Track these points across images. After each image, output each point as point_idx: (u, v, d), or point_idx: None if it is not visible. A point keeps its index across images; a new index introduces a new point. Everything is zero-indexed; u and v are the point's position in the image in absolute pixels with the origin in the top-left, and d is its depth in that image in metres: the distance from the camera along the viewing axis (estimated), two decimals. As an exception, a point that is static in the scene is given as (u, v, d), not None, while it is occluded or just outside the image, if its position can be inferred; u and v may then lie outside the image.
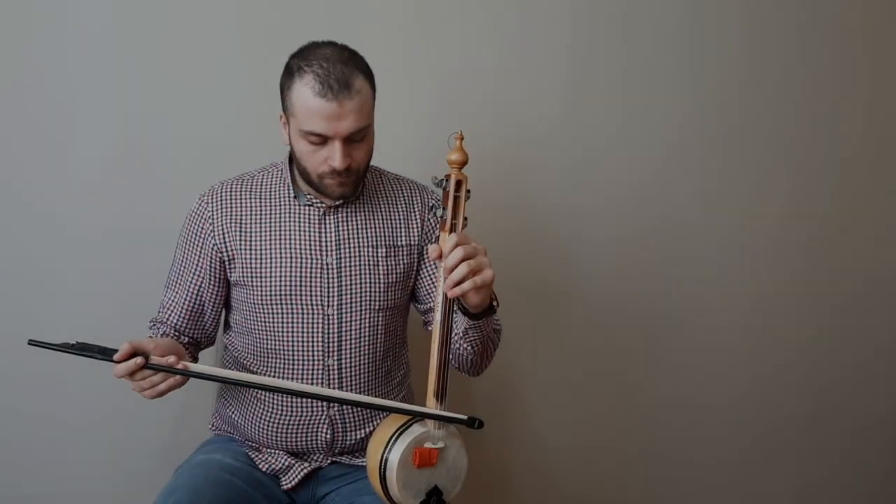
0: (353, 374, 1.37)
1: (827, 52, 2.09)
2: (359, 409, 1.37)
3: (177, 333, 1.39)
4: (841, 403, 2.30)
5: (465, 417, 1.17)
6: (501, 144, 1.84)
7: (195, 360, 1.41)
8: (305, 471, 1.37)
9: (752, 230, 2.12)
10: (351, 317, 1.36)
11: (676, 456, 2.16)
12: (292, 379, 1.35)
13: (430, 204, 1.43)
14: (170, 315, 1.38)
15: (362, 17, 1.70)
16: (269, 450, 1.39)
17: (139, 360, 1.13)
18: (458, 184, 1.17)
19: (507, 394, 1.98)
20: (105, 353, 1.12)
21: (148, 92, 1.61)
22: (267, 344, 1.36)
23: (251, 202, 1.37)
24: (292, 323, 1.34)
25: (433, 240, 1.42)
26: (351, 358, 1.36)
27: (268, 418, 1.36)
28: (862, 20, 2.11)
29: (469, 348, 1.31)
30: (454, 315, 1.20)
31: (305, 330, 1.34)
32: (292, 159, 1.35)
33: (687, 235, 2.06)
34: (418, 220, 1.42)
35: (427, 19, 1.76)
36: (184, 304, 1.38)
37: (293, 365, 1.35)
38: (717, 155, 2.05)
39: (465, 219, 1.18)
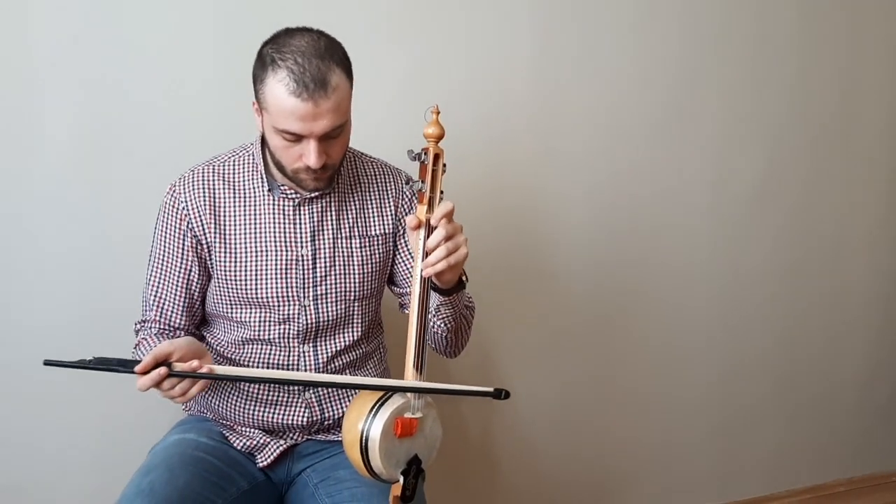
0: (328, 359, 1.37)
1: (791, 23, 2.18)
2: (335, 389, 1.38)
3: (173, 330, 1.35)
4: (812, 368, 2.43)
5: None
6: (474, 123, 1.87)
7: None
8: (281, 448, 1.37)
9: (726, 200, 2.20)
10: (327, 307, 1.36)
11: (652, 423, 2.24)
12: (268, 365, 1.35)
13: (407, 178, 1.44)
14: (167, 314, 1.34)
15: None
16: (243, 428, 1.39)
17: (162, 370, 1.08)
18: (436, 157, 1.19)
19: (486, 363, 2.00)
20: (125, 366, 1.07)
21: (116, 81, 1.57)
22: (242, 333, 1.36)
23: (224, 192, 1.33)
24: (268, 314, 1.34)
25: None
26: (327, 345, 1.37)
27: (243, 398, 1.36)
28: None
29: (442, 325, 1.33)
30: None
31: (281, 321, 1.34)
32: (265, 144, 1.32)
33: (660, 207, 2.13)
34: (392, 207, 1.41)
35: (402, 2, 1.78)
36: (176, 300, 1.35)
37: (269, 351, 1.36)
38: (690, 129, 2.12)
39: (442, 192, 1.20)
